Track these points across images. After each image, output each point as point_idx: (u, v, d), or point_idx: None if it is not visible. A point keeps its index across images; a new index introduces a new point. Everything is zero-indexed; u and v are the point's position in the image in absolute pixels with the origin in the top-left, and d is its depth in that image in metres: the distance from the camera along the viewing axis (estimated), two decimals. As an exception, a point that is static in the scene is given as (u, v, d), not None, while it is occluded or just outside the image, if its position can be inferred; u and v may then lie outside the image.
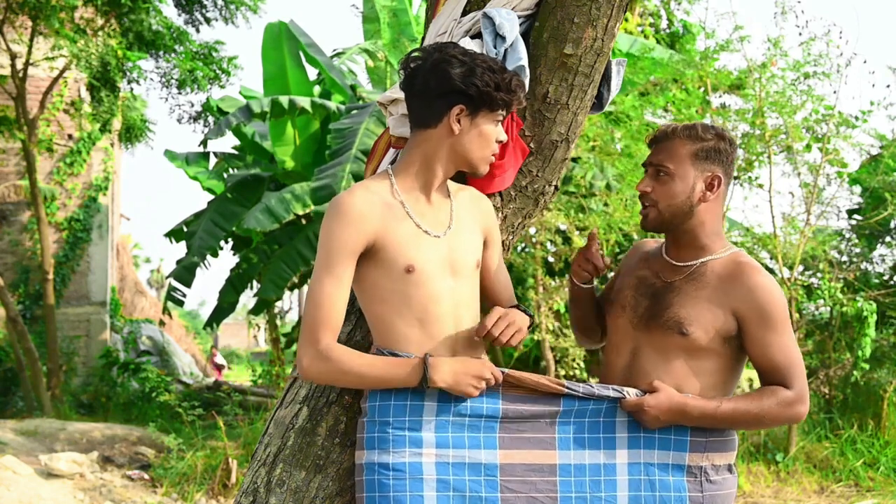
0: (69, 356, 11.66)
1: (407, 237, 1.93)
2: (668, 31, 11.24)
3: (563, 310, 7.85)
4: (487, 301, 2.11)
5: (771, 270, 7.06)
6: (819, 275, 7.39)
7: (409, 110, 2.01)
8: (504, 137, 1.99)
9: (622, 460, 1.99)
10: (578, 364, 7.86)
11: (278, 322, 13.04)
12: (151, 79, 10.18)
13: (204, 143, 8.94)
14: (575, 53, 2.15)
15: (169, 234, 10.08)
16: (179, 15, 10.27)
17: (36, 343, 10.45)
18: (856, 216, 8.49)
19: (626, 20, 9.54)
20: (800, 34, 7.42)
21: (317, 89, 10.06)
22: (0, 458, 5.73)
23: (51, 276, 10.39)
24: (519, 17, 2.15)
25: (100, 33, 9.42)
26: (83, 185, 12.38)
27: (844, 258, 8.24)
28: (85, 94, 11.13)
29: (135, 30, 9.46)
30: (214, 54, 10.10)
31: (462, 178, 2.11)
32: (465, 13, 2.22)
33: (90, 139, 12.23)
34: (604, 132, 7.63)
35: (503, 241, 2.21)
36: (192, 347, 18.46)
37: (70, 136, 12.22)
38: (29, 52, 9.56)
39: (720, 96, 8.26)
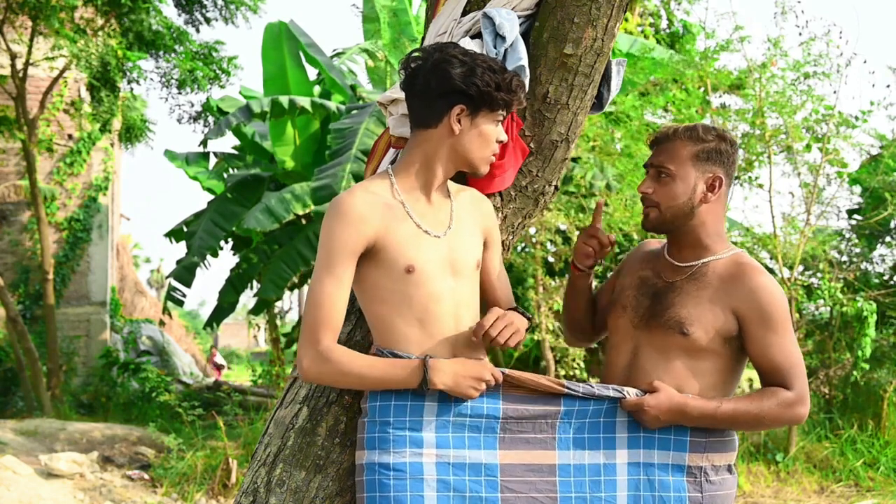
0: (69, 356, 11.66)
1: (407, 237, 1.93)
2: (668, 31, 11.24)
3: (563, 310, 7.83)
4: (486, 303, 2.11)
5: (771, 270, 7.06)
6: (819, 275, 7.39)
7: (410, 110, 2.01)
8: (504, 137, 1.99)
9: (622, 460, 1.99)
10: (578, 364, 7.85)
11: (278, 322, 13.05)
12: (151, 79, 10.19)
13: (204, 143, 8.95)
14: (575, 53, 2.15)
15: (169, 234, 10.09)
16: (179, 15, 10.28)
17: (36, 343, 10.45)
18: (856, 216, 8.49)
19: (626, 20, 9.54)
20: (800, 34, 7.43)
21: (317, 89, 10.06)
22: (0, 458, 5.73)
23: (51, 276, 10.39)
24: (519, 17, 2.15)
25: (100, 33, 9.42)
26: (83, 185, 12.38)
27: (844, 258, 8.24)
28: (85, 94, 11.13)
29: (135, 30, 9.46)
30: (214, 54, 10.10)
31: (462, 178, 2.11)
32: (465, 13, 2.21)
33: (90, 139, 12.23)
34: (604, 132, 7.63)
35: (503, 241, 2.21)
36: (192, 347, 18.46)
37: (70, 136, 12.22)
38: (29, 52, 9.56)
39: (720, 96, 8.26)
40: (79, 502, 5.49)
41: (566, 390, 1.96)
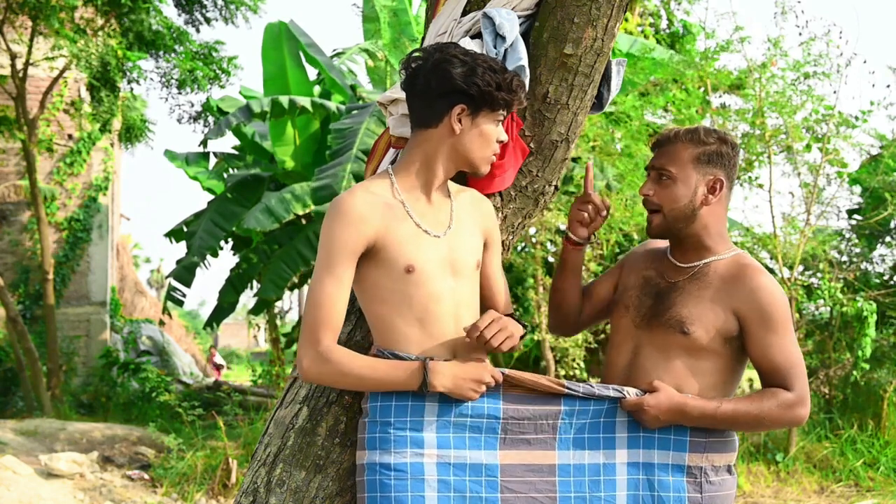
0: (69, 356, 11.66)
1: (407, 237, 1.93)
2: (668, 31, 11.24)
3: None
4: (483, 304, 2.11)
5: (771, 270, 7.06)
6: (819, 275, 7.39)
7: (410, 110, 2.01)
8: (505, 137, 1.99)
9: (622, 460, 1.99)
10: (578, 364, 7.85)
11: (278, 322, 13.04)
12: (151, 79, 10.18)
13: (204, 143, 8.94)
14: (575, 53, 2.15)
15: (169, 234, 10.09)
16: (179, 15, 10.27)
17: (36, 343, 10.45)
18: (856, 216, 8.49)
19: (626, 20, 9.54)
20: (800, 34, 7.43)
21: (317, 89, 10.06)
22: (0, 458, 5.73)
23: (51, 276, 10.39)
24: (519, 17, 2.15)
25: (100, 33, 9.42)
26: (83, 185, 12.38)
27: (844, 258, 8.24)
28: (85, 94, 11.13)
29: (135, 30, 9.45)
30: (214, 54, 10.09)
31: (462, 178, 2.11)
32: (465, 13, 2.21)
33: (90, 139, 12.23)
34: (604, 132, 7.63)
35: (503, 241, 2.21)
36: (192, 347, 18.46)
37: (70, 136, 12.22)
38: (29, 52, 9.56)
39: (720, 96, 8.27)
40: (79, 502, 5.49)
41: (566, 390, 1.96)
